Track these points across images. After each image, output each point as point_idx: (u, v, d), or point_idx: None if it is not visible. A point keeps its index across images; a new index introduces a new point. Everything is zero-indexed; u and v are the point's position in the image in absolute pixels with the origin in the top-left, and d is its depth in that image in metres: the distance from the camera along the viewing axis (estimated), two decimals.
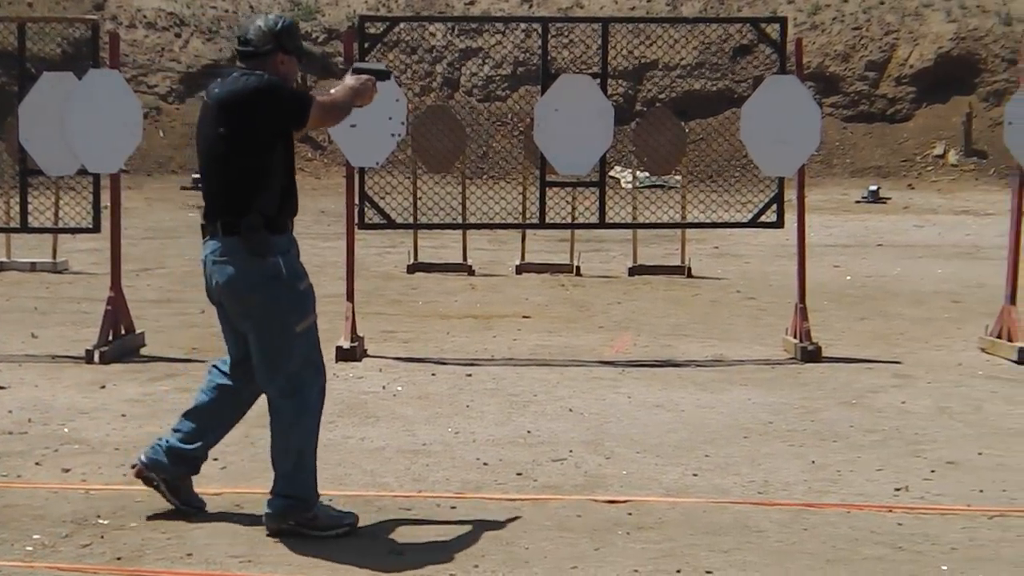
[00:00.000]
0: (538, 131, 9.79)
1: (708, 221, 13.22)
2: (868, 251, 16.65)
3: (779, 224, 10.29)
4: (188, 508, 5.93)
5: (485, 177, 22.30)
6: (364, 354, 9.59)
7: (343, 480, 6.52)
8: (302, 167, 25.36)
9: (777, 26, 10.23)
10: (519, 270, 14.05)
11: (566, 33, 26.06)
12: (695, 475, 6.73)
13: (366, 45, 9.96)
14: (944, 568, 5.43)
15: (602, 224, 10.45)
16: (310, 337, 5.77)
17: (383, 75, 6.10)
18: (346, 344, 9.44)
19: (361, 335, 9.71)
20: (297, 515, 5.68)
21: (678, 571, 5.35)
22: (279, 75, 5.76)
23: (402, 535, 5.72)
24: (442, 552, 5.51)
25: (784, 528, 5.90)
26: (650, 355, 9.88)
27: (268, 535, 5.68)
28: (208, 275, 5.77)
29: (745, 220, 10.81)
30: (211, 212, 5.72)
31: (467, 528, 5.82)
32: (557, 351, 9.98)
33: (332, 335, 9.82)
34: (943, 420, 8.01)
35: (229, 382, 5.94)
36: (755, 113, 9.75)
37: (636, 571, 5.33)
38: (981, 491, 6.54)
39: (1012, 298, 10.12)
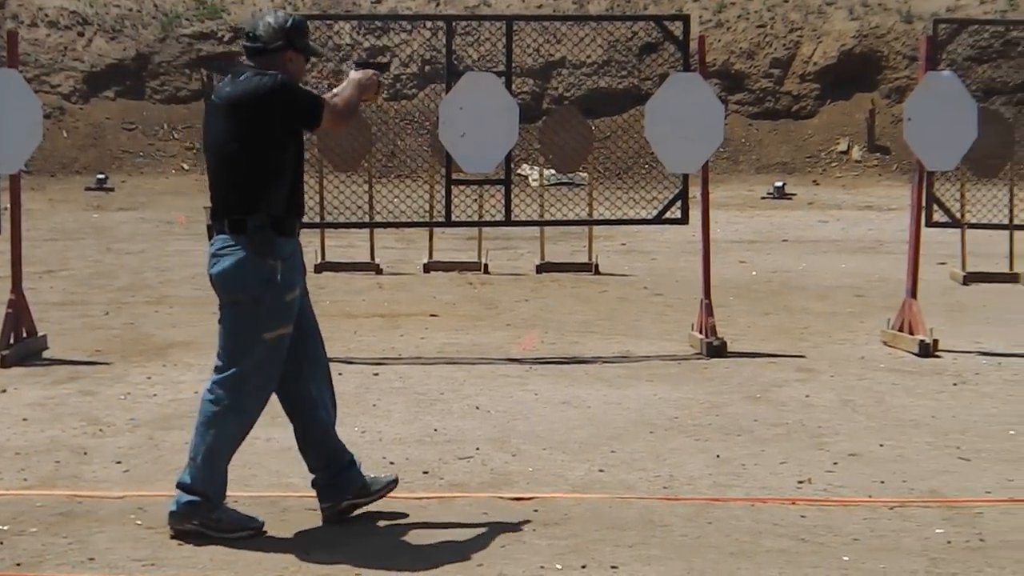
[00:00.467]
0: (443, 129, 9.78)
1: (614, 218, 13.28)
2: (773, 247, 16.81)
3: (684, 220, 10.37)
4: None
5: (393, 176, 22.26)
6: None
7: (248, 481, 6.48)
8: None
9: (680, 24, 10.31)
10: (427, 268, 14.03)
11: (473, 31, 26.05)
12: (601, 471, 6.77)
13: None
14: (846, 559, 5.50)
15: (508, 222, 10.48)
16: (275, 348, 5.69)
17: (384, 67, 6.07)
18: None
19: None
20: (201, 515, 5.61)
21: (583, 566, 5.37)
22: (287, 72, 5.73)
23: (307, 535, 5.70)
24: (346, 551, 5.49)
25: (689, 522, 5.95)
26: (557, 352, 9.91)
27: (171, 536, 5.63)
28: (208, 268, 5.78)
29: (651, 217, 10.87)
30: (219, 210, 5.70)
31: (375, 528, 5.81)
32: (464, 349, 9.98)
33: None
34: (846, 413, 8.10)
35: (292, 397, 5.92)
36: (659, 110, 9.81)
37: (542, 567, 5.35)
38: (882, 482, 6.63)
39: (913, 292, 10.26)
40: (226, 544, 5.55)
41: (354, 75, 5.95)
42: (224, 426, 5.68)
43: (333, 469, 5.90)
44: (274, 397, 5.83)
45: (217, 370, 5.73)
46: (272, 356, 5.69)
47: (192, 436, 5.73)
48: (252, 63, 5.77)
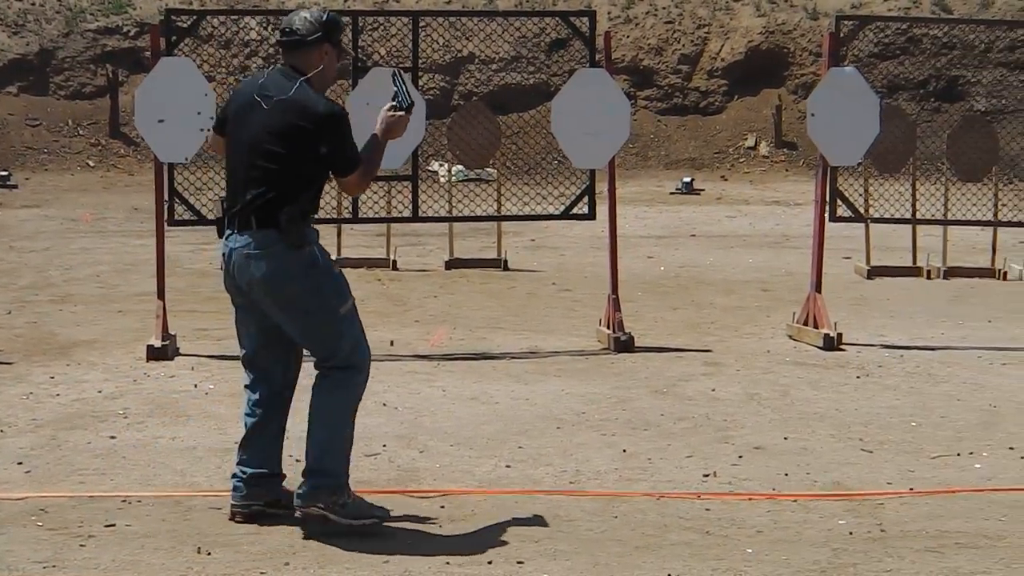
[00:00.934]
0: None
1: (522, 214, 13.29)
2: (682, 242, 16.91)
3: (591, 216, 10.41)
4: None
5: None
6: (176, 353, 9.45)
7: (152, 480, 6.43)
8: (115, 163, 24.92)
9: (587, 20, 10.33)
10: (335, 265, 13.96)
11: (382, 28, 25.95)
12: (508, 467, 6.78)
13: (173, 39, 9.80)
14: (749, 551, 5.55)
15: (415, 218, 10.46)
16: (354, 318, 5.86)
17: (409, 108, 5.98)
18: (157, 343, 9.29)
19: (173, 333, 9.56)
20: (325, 498, 5.64)
21: (490, 562, 5.38)
22: (321, 65, 5.77)
23: (212, 535, 5.65)
24: (252, 551, 5.46)
25: (594, 517, 5.98)
26: (466, 348, 9.90)
27: (299, 518, 5.65)
28: (234, 269, 5.71)
29: (558, 212, 10.90)
30: (245, 205, 5.66)
31: (277, 526, 5.77)
32: (373, 345, 9.84)
33: (143, 334, 9.69)
34: (751, 406, 8.17)
35: (263, 394, 5.92)
36: (565, 106, 9.84)
37: (448, 563, 5.34)
38: (786, 475, 6.70)
39: (818, 286, 10.37)
40: (133, 543, 5.50)
41: (382, 115, 5.96)
42: (342, 399, 5.78)
43: (264, 473, 5.90)
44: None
45: (320, 359, 5.79)
46: (357, 323, 5.86)
47: (311, 426, 5.75)
48: (288, 58, 5.81)
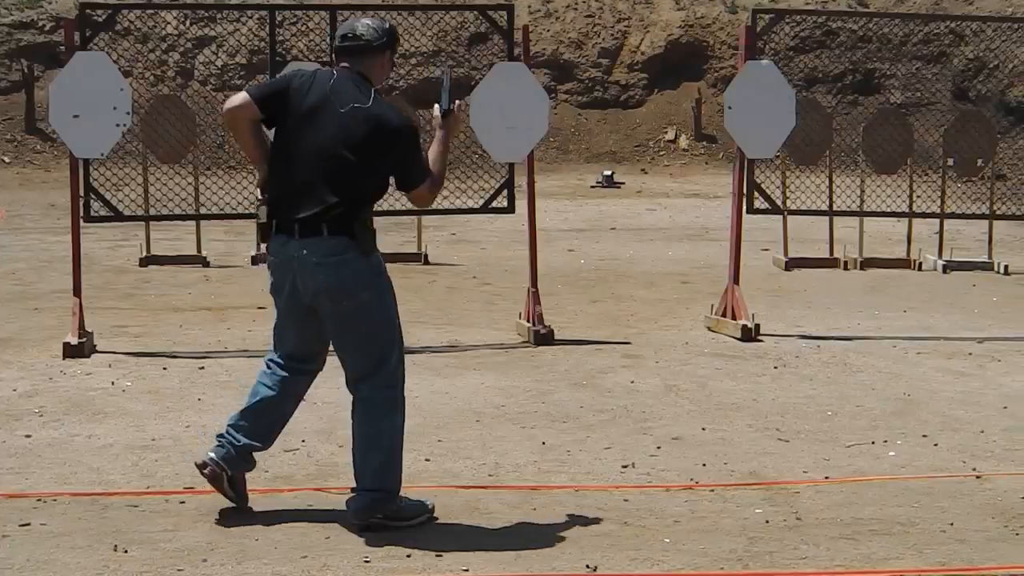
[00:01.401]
0: None
1: (441, 207, 13.27)
2: (602, 235, 16.97)
3: (510, 210, 10.43)
4: (242, 502, 5.91)
5: (224, 167, 21.97)
6: (93, 350, 9.36)
7: (68, 479, 6.37)
8: (31, 159, 24.63)
9: (505, 14, 10.35)
10: (255, 261, 13.86)
11: (303, 21, 25.84)
12: (427, 460, 6.78)
13: (88, 33, 9.70)
14: (667, 541, 5.60)
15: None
16: (400, 334, 5.87)
17: (446, 113, 5.96)
18: (73, 340, 9.20)
19: (90, 330, 9.48)
20: (385, 508, 5.69)
21: (408, 556, 5.39)
22: (382, 73, 5.82)
23: (129, 533, 5.61)
24: (170, 548, 5.43)
25: (514, 509, 6.00)
26: None
27: (360, 530, 5.64)
28: (298, 276, 5.64)
29: (478, 206, 10.91)
30: (316, 212, 5.58)
31: (197, 522, 5.75)
32: None
33: (60, 331, 9.60)
34: (670, 398, 8.23)
35: (286, 373, 5.90)
36: (484, 100, 9.84)
37: (366, 558, 5.35)
38: (704, 465, 6.75)
39: (736, 278, 10.45)
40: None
41: (444, 131, 5.93)
42: (394, 421, 5.78)
43: (252, 447, 5.93)
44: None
45: (361, 378, 5.77)
46: (402, 341, 5.88)
47: (357, 442, 5.75)
48: (346, 62, 5.76)
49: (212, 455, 5.85)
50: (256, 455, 5.99)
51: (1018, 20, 23.40)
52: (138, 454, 6.80)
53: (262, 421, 5.92)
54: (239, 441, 5.86)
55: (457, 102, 6.02)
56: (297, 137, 5.68)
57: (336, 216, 5.58)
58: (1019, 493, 6.32)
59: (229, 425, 5.93)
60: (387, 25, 5.86)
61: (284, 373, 5.93)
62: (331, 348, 5.92)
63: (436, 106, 5.95)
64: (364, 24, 5.81)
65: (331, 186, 5.59)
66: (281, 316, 5.89)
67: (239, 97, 5.75)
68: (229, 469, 5.85)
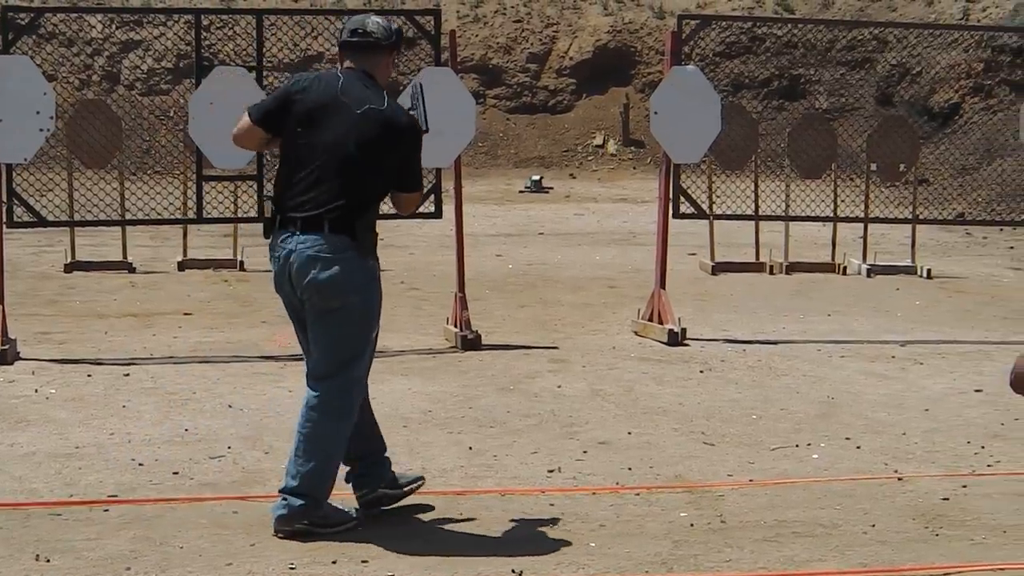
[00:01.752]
0: (193, 125, 9.66)
1: None
2: (530, 240, 16.99)
3: (438, 215, 10.43)
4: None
5: (151, 172, 21.82)
6: (16, 357, 9.26)
7: None
8: None
9: (432, 19, 10.35)
10: (181, 266, 13.81)
11: (230, 26, 25.71)
12: None
13: (11, 36, 9.61)
14: (593, 545, 5.62)
15: (261, 218, 10.37)
16: (374, 345, 5.87)
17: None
18: None
19: (13, 337, 9.37)
20: (311, 514, 5.65)
21: (334, 562, 5.38)
22: (387, 72, 5.82)
23: (51, 541, 5.56)
24: (92, 556, 5.38)
25: (440, 514, 6.00)
26: None
27: (278, 535, 5.60)
28: (293, 269, 5.61)
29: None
30: (320, 209, 5.58)
31: (120, 530, 5.71)
32: (218, 347, 9.87)
33: None
34: (596, 402, 8.26)
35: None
36: (407, 106, 9.81)
37: (291, 565, 5.33)
38: (629, 469, 6.79)
39: (662, 282, 10.51)
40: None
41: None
42: (338, 431, 5.72)
43: (369, 460, 5.94)
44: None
45: (321, 377, 5.72)
46: (372, 353, 5.86)
47: (296, 443, 5.70)
48: (354, 60, 5.75)
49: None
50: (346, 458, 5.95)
51: (940, 27, 23.73)
52: (61, 462, 6.74)
53: (357, 438, 5.89)
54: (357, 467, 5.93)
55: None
56: (303, 137, 5.68)
57: (339, 215, 5.60)
58: (939, 494, 6.41)
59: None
60: (396, 27, 5.86)
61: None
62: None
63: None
64: (374, 22, 5.80)
65: (338, 185, 5.61)
66: (291, 320, 5.88)
67: (243, 124, 5.85)
68: (373, 489, 5.91)
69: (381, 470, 5.98)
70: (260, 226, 14.58)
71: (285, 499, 5.68)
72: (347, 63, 5.79)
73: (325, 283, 5.60)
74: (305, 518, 5.66)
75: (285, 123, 5.73)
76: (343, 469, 5.92)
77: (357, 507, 5.90)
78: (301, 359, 9.20)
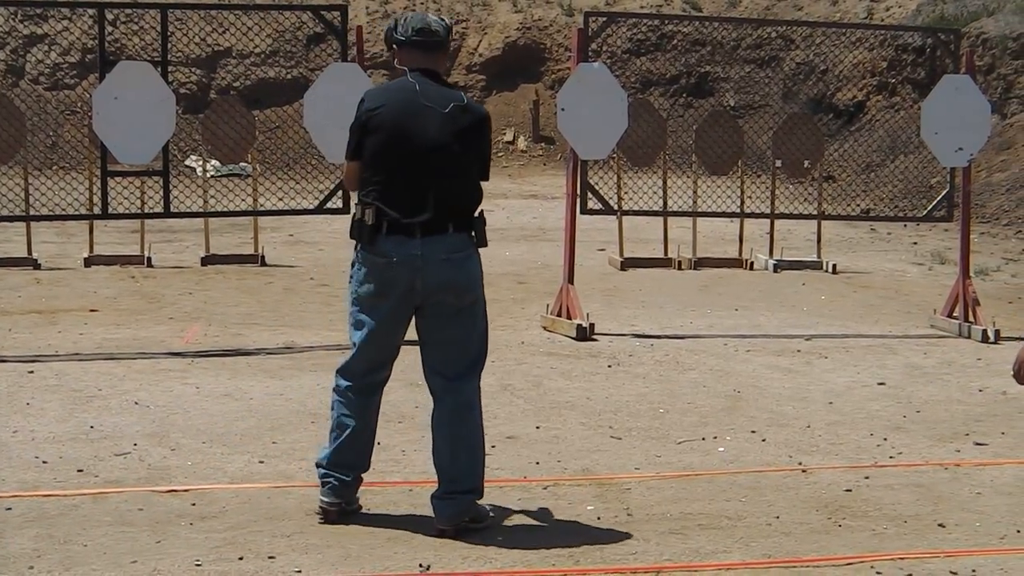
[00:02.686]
0: (97, 120, 9.55)
1: (277, 208, 13.21)
2: None
3: (345, 210, 10.38)
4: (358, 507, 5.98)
5: (56, 167, 21.59)
6: None
7: None
8: None
9: (339, 14, 10.33)
10: (88, 263, 13.64)
11: (136, 20, 25.48)
12: (261, 462, 6.75)
13: None
14: (500, 539, 5.65)
15: (167, 213, 10.31)
16: None
17: None
18: None
19: None
20: (476, 508, 5.77)
21: (241, 558, 5.36)
22: (444, 66, 5.96)
23: None
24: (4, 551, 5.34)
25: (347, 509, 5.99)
26: (220, 345, 9.80)
27: (443, 534, 5.67)
28: (420, 272, 5.64)
29: (313, 207, 10.88)
30: (440, 210, 5.65)
31: (22, 529, 5.65)
32: (125, 344, 9.78)
33: None
34: (505, 397, 8.28)
35: (363, 396, 5.90)
36: (317, 101, 9.79)
37: (198, 561, 5.31)
38: (537, 463, 6.82)
39: (570, 277, 10.56)
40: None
41: None
42: (480, 421, 5.85)
43: (360, 471, 5.98)
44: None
45: (460, 375, 5.80)
46: None
47: (445, 442, 5.76)
48: (420, 60, 5.79)
49: (327, 500, 5.82)
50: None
51: (845, 25, 24.02)
52: None
53: (356, 448, 5.89)
54: (348, 476, 5.85)
55: None
56: (399, 147, 5.68)
57: (458, 214, 5.71)
58: (842, 486, 6.50)
59: (327, 465, 5.85)
60: (448, 21, 5.99)
61: (362, 397, 5.90)
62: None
63: None
64: (436, 20, 5.86)
65: (450, 186, 5.71)
66: (379, 324, 5.80)
67: (350, 170, 5.84)
68: (345, 502, 5.88)
69: (356, 486, 5.96)
70: (170, 222, 14.51)
71: (453, 497, 5.71)
72: (412, 63, 5.81)
73: (461, 282, 5.72)
74: (469, 514, 5.73)
75: (374, 141, 5.72)
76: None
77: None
78: (209, 355, 9.31)
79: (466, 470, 5.76)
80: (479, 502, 5.82)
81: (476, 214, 5.80)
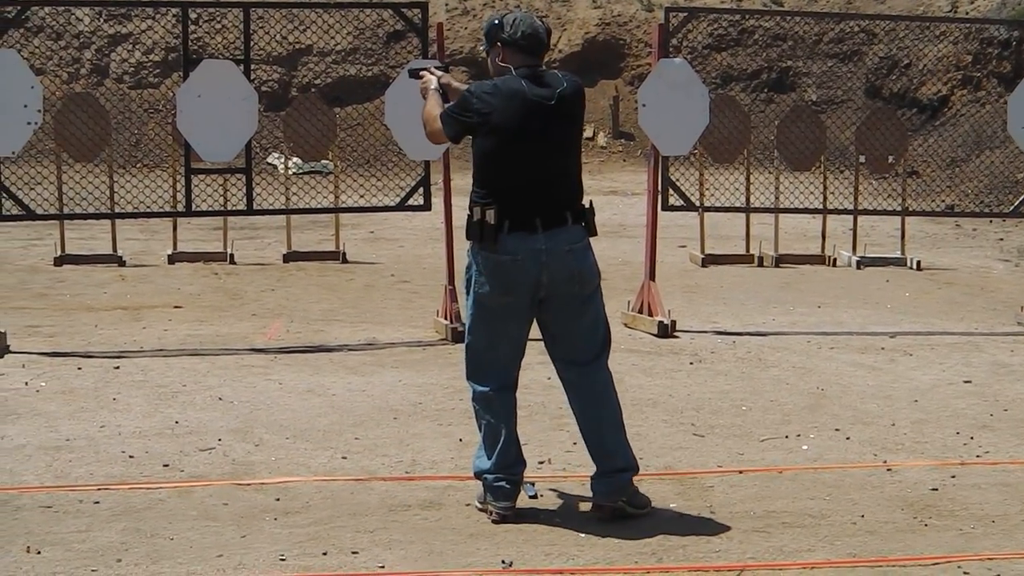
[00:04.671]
0: (181, 118, 9.65)
1: (358, 205, 13.25)
2: None
3: (426, 207, 10.44)
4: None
5: (140, 165, 21.84)
6: (6, 350, 9.26)
7: None
8: None
9: (419, 11, 10.36)
10: (171, 260, 13.79)
11: (218, 19, 25.68)
12: (344, 458, 6.78)
13: None
14: (582, 535, 5.64)
15: (250, 211, 10.39)
16: None
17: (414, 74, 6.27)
18: None
19: (3, 331, 9.37)
20: (631, 487, 5.86)
21: (324, 553, 5.39)
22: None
23: (41, 533, 5.57)
24: (83, 548, 5.39)
25: (429, 505, 6.02)
26: (302, 341, 9.87)
27: (600, 510, 5.82)
28: (545, 266, 5.74)
29: (394, 204, 10.92)
30: (560, 202, 5.79)
31: (110, 522, 5.72)
32: (208, 340, 9.87)
33: None
34: None
35: (504, 396, 5.93)
36: (399, 98, 9.81)
37: (282, 556, 5.34)
38: None
39: (651, 274, 10.52)
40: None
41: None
42: (617, 398, 5.99)
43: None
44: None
45: (591, 359, 5.92)
46: None
47: (592, 425, 5.89)
48: (527, 60, 5.89)
49: (501, 504, 5.82)
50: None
51: (929, 19, 23.74)
52: (52, 455, 6.74)
53: (515, 448, 5.93)
54: (515, 475, 5.89)
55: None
56: (513, 147, 5.77)
57: (573, 205, 5.83)
58: (928, 485, 6.43)
59: (495, 471, 5.86)
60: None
61: (504, 394, 5.94)
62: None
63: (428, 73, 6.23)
64: (541, 25, 5.97)
65: (563, 178, 5.84)
66: (508, 322, 5.86)
67: (436, 129, 5.98)
68: (516, 501, 5.90)
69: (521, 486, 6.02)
70: (252, 220, 14.61)
71: (608, 475, 5.84)
72: (516, 63, 5.87)
73: (586, 271, 5.86)
74: (625, 494, 5.82)
75: (488, 143, 5.81)
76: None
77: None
78: (291, 352, 9.37)
79: (617, 448, 5.88)
80: (641, 491, 5.92)
81: (586, 204, 5.90)
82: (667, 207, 11.12)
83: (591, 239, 5.95)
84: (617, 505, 5.82)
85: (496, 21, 5.97)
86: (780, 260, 14.25)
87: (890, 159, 14.51)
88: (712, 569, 5.30)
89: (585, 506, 6.01)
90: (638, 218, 16.63)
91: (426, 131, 6.12)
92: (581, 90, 5.96)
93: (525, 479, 5.99)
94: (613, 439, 5.90)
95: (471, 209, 5.82)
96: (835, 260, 14.34)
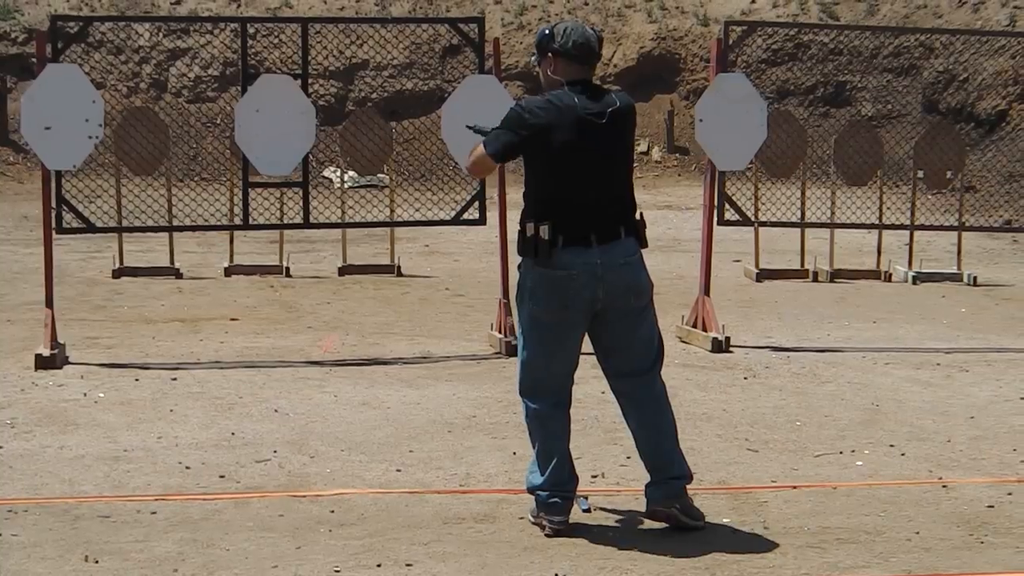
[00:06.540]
0: (239, 132, 9.73)
1: (414, 219, 13.33)
2: None
3: (482, 221, 10.47)
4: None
5: (198, 179, 21.98)
6: (65, 361, 9.36)
7: (39, 489, 6.38)
8: (3, 171, 24.58)
9: (475, 26, 10.41)
10: (228, 272, 13.89)
11: (275, 34, 25.86)
12: (399, 471, 6.81)
13: (60, 44, 9.72)
14: (635, 550, 5.63)
15: (307, 224, 10.46)
16: None
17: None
18: (45, 352, 9.19)
19: (62, 342, 9.48)
20: (685, 495, 5.89)
21: (378, 565, 5.42)
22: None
23: (99, 542, 5.63)
24: (140, 558, 5.45)
25: (483, 518, 6.03)
26: (357, 354, 9.92)
27: (655, 515, 5.89)
28: (601, 280, 5.77)
29: (449, 218, 10.96)
30: (614, 216, 5.82)
31: (167, 532, 5.77)
32: (264, 352, 9.94)
33: (32, 343, 9.59)
34: None
35: (557, 413, 5.96)
36: (455, 112, 9.86)
37: (337, 568, 5.37)
38: None
39: (706, 289, 10.51)
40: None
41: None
42: (671, 408, 6.05)
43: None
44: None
45: (647, 369, 5.97)
46: None
47: (649, 435, 5.94)
48: (579, 72, 5.89)
49: (556, 519, 5.83)
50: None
51: (987, 33, 23.61)
52: (110, 465, 6.81)
53: (569, 464, 5.96)
54: (568, 491, 5.91)
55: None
56: (567, 163, 5.77)
57: (626, 218, 5.85)
58: (984, 502, 6.39)
59: (549, 487, 5.86)
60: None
61: (559, 411, 5.97)
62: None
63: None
64: (593, 34, 5.94)
65: (616, 193, 5.86)
66: (563, 337, 5.88)
67: (479, 158, 5.98)
68: (569, 516, 5.92)
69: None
70: (307, 233, 14.69)
71: (664, 482, 5.88)
72: (567, 74, 5.86)
73: (641, 284, 5.91)
74: (678, 501, 5.84)
75: (542, 160, 5.81)
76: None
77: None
78: (346, 365, 9.43)
79: (673, 458, 5.91)
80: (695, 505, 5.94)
81: (637, 217, 5.91)
82: (723, 222, 11.10)
83: (643, 251, 5.95)
84: (671, 511, 5.83)
85: (547, 31, 5.93)
86: (835, 275, 14.20)
87: (948, 174, 14.42)
88: None
89: (639, 520, 6.01)
90: (692, 232, 16.61)
91: (467, 164, 6.16)
92: (633, 109, 5.95)
93: (578, 493, 6.00)
94: (668, 449, 5.92)
95: (523, 224, 5.83)
96: (890, 275, 14.28)
